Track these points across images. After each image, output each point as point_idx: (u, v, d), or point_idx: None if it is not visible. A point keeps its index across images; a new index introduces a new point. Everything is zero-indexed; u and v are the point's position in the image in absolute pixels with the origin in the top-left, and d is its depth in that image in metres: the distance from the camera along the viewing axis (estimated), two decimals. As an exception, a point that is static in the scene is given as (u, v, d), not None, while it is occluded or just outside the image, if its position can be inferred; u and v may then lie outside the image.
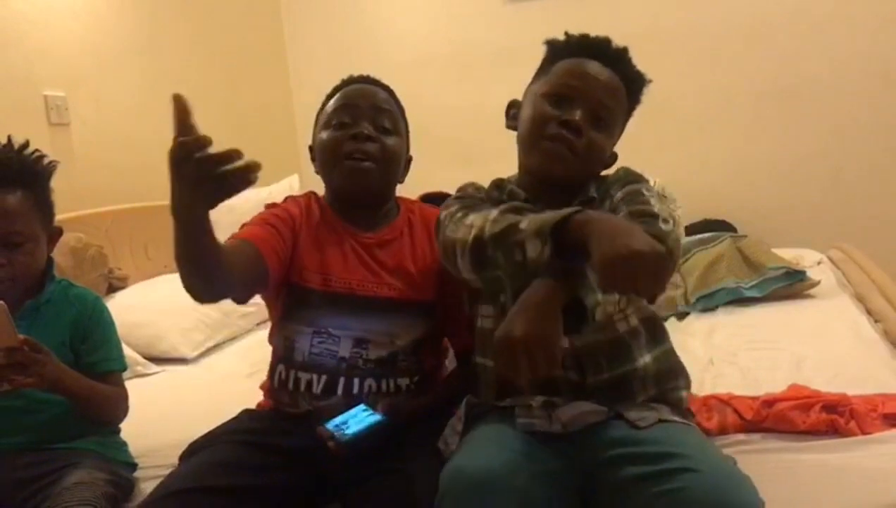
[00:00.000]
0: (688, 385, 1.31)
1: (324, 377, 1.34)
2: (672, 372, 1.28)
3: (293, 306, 1.39)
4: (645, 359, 1.24)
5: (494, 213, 1.17)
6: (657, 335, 1.29)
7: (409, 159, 1.50)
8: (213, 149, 0.91)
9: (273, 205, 1.46)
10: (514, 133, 1.38)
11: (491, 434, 1.15)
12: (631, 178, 1.30)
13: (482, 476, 1.01)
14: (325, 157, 1.41)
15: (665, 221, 1.16)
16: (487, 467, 1.02)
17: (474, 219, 1.19)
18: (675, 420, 1.16)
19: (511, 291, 1.17)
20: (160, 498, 1.16)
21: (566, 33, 1.34)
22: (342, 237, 1.42)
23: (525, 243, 1.09)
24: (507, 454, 1.07)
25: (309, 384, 1.35)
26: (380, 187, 1.43)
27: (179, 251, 1.04)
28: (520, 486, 1.01)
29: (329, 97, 1.46)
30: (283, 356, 1.40)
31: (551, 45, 1.36)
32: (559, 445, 1.13)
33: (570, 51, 1.32)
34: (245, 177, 0.91)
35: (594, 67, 1.28)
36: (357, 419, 1.24)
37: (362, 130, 1.37)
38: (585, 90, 1.27)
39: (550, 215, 1.08)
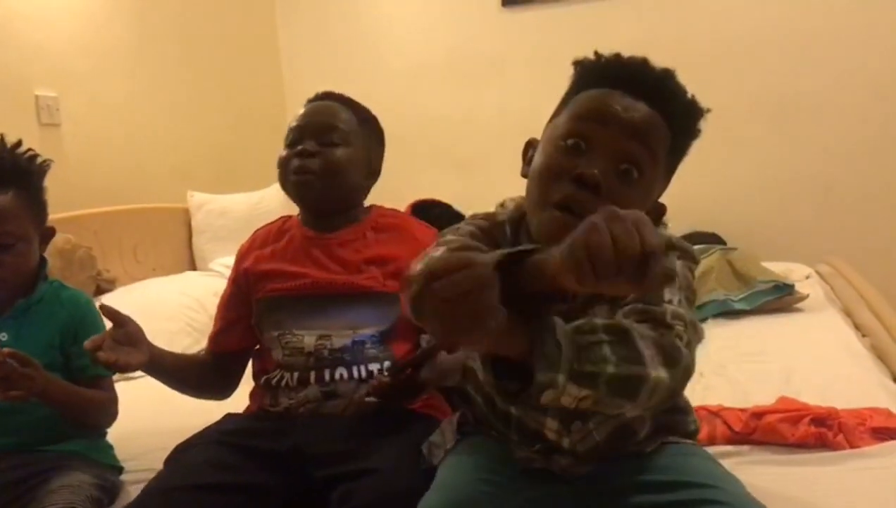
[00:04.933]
0: (695, 421, 1.17)
1: (296, 374, 1.40)
2: (676, 408, 1.14)
3: (260, 317, 1.49)
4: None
5: (441, 250, 0.92)
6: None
7: (377, 168, 1.57)
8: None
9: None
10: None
11: (477, 464, 1.10)
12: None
13: None
14: (280, 173, 1.51)
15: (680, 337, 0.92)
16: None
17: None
18: (680, 441, 1.10)
19: None
20: (146, 498, 1.19)
21: (596, 53, 1.06)
22: (302, 244, 1.51)
23: None
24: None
25: (286, 381, 1.40)
26: (327, 196, 1.49)
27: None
28: None
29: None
30: (261, 367, 1.48)
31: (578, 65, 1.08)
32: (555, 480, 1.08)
33: (597, 78, 1.05)
34: None
35: (623, 101, 1.01)
36: None
37: (305, 147, 1.46)
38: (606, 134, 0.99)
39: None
